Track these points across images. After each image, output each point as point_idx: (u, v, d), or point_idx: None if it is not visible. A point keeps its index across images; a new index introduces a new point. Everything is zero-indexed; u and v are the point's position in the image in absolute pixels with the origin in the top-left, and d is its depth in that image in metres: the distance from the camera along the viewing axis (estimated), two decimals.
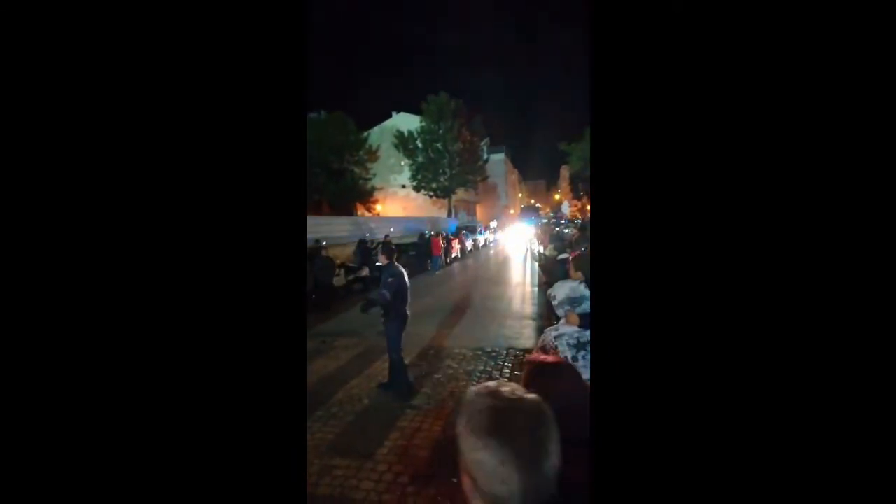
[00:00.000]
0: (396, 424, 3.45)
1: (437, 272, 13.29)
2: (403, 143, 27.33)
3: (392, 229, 16.12)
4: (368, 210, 27.48)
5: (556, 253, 5.87)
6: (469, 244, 19.11)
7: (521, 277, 11.55)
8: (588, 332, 1.72)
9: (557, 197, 67.46)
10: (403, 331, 4.00)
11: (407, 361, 4.51)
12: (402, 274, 3.91)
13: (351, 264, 10.24)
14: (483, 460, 0.58)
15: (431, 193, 28.26)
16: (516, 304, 8.17)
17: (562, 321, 1.84)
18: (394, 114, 32.70)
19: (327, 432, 3.38)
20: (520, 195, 69.00)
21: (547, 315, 5.37)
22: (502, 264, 15.16)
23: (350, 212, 24.64)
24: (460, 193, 30.52)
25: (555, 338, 1.75)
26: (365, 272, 9.23)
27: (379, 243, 6.27)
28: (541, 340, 1.86)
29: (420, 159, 27.45)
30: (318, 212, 21.59)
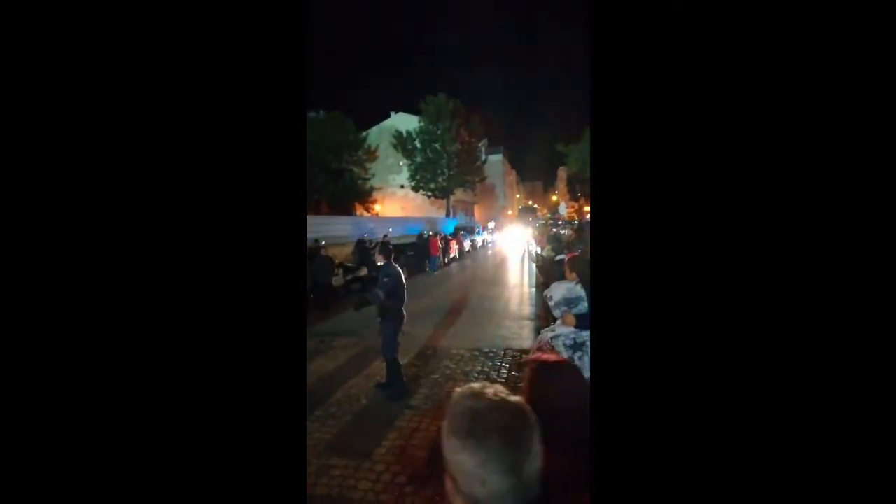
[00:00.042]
0: (394, 424, 3.45)
1: (436, 272, 13.29)
2: (402, 143, 27.31)
3: (391, 229, 16.11)
4: (367, 210, 27.45)
5: (553, 254, 5.88)
6: (467, 245, 19.11)
7: (518, 278, 11.56)
8: (584, 333, 1.72)
9: (555, 198, 67.55)
10: (399, 331, 4.00)
11: (405, 362, 4.52)
12: (398, 274, 3.92)
13: (349, 264, 10.23)
14: (462, 461, 0.58)
15: (430, 194, 28.25)
16: (514, 304, 8.17)
17: (558, 322, 1.85)
18: (392, 114, 32.68)
19: (325, 432, 3.37)
20: (517, 196, 69.07)
21: (544, 316, 5.38)
22: (500, 265, 15.17)
23: (349, 212, 24.60)
24: (458, 194, 30.53)
25: (551, 338, 1.76)
26: (363, 272, 9.23)
27: (377, 243, 6.27)
28: (537, 341, 1.86)
29: (418, 159, 27.44)
30: (317, 211, 21.55)
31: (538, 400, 0.95)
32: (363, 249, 11.07)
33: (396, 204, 31.12)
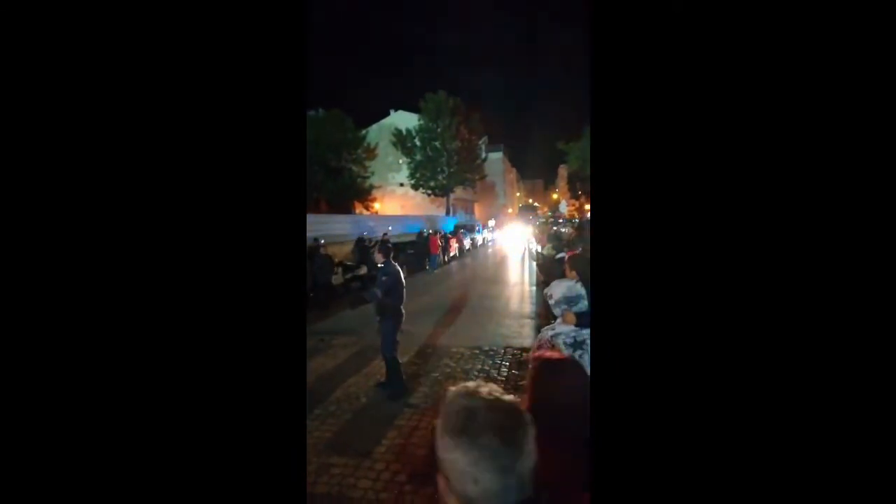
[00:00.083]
0: (394, 423, 3.45)
1: (436, 271, 13.29)
2: (401, 141, 27.25)
3: (390, 228, 16.10)
4: (367, 208, 27.42)
5: (553, 252, 5.89)
6: (467, 243, 19.11)
7: (518, 276, 11.56)
8: (584, 331, 1.72)
9: (555, 196, 67.54)
10: (399, 330, 4.00)
11: (405, 360, 4.52)
12: (397, 273, 3.92)
13: (349, 263, 10.23)
14: (455, 460, 0.58)
15: (430, 192, 28.20)
16: (514, 303, 8.18)
17: (558, 320, 1.85)
18: (392, 112, 32.60)
19: (325, 431, 3.38)
20: (518, 194, 69.01)
21: (545, 314, 5.39)
22: (500, 263, 15.17)
23: (348, 210, 24.57)
24: (458, 192, 30.49)
25: (551, 337, 1.76)
26: (363, 270, 9.23)
27: (377, 242, 6.27)
28: (538, 340, 1.86)
29: (418, 157, 27.37)
30: (317, 210, 21.55)
31: (542, 397, 0.95)
32: (363, 248, 11.06)
33: (396, 202, 31.09)
